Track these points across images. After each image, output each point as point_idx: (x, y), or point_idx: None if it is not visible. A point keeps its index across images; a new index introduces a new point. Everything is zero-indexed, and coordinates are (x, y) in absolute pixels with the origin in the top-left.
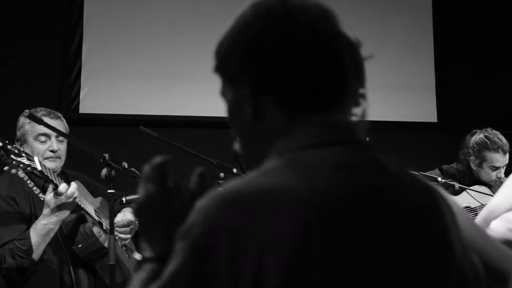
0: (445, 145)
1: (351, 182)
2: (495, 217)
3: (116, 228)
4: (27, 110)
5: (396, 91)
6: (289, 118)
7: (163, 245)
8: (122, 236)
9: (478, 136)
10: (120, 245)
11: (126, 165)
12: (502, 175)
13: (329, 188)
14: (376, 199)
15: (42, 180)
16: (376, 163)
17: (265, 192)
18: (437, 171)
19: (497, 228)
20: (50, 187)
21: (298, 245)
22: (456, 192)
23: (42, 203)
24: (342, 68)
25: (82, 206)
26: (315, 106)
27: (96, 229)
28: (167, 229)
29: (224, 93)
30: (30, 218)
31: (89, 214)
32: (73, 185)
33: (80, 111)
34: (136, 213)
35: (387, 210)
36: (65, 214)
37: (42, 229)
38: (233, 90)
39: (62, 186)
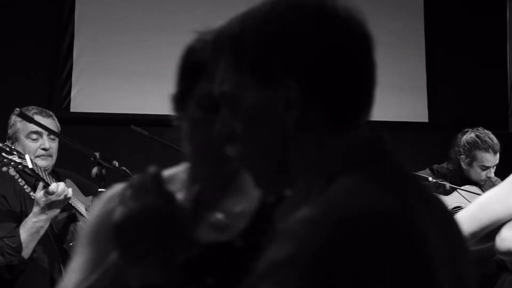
0: (436, 145)
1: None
2: (493, 221)
3: None
4: (17, 109)
5: (388, 91)
6: (337, 127)
7: (161, 273)
8: None
9: (469, 135)
10: None
11: (116, 163)
12: (492, 174)
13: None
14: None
15: (33, 178)
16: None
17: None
18: (428, 171)
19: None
20: (41, 185)
21: None
22: (447, 192)
23: (33, 201)
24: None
25: (73, 205)
26: (364, 112)
27: None
28: (168, 252)
29: (237, 92)
30: (21, 216)
31: (80, 213)
32: (63, 184)
33: (71, 110)
34: (120, 231)
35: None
36: (55, 212)
37: (32, 227)
38: (266, 90)
39: (53, 185)
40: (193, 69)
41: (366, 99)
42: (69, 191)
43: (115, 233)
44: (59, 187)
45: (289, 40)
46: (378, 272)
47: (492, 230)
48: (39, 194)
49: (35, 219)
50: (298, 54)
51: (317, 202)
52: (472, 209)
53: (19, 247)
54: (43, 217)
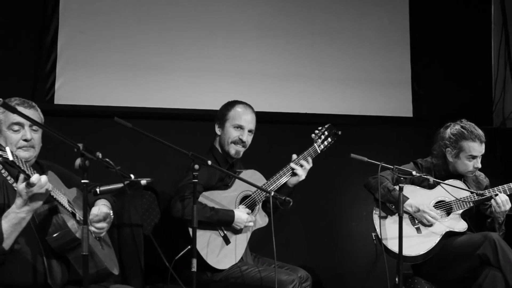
0: (420, 139)
1: None
2: None
3: (93, 224)
4: (0, 99)
5: (372, 86)
6: None
7: None
8: (98, 231)
9: (454, 127)
10: (93, 236)
11: (100, 155)
12: (479, 165)
13: None
14: None
15: (16, 170)
16: None
17: None
18: (411, 164)
19: None
20: (22, 177)
21: None
22: (431, 186)
23: (15, 193)
24: None
25: (55, 197)
26: None
27: (69, 220)
28: None
29: None
30: (3, 208)
31: (62, 205)
32: (44, 176)
33: (55, 102)
34: None
35: None
36: (37, 204)
37: (14, 218)
38: None
39: (35, 177)
40: None
41: None
42: (49, 185)
43: None
44: (41, 180)
45: None
46: None
47: None
48: (21, 186)
49: (17, 210)
50: None
51: None
52: None
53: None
54: (25, 208)
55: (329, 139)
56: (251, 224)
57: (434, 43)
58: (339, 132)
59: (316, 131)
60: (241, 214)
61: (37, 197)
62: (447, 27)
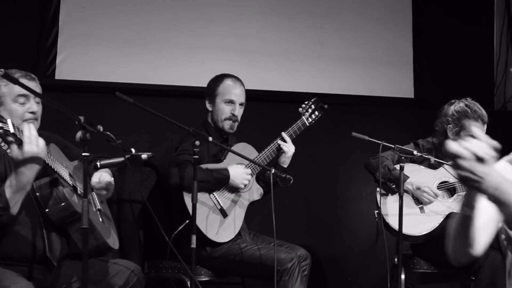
0: (421, 121)
1: None
2: None
3: (94, 190)
4: (2, 69)
5: (374, 66)
6: None
7: None
8: (100, 193)
9: (458, 105)
10: (94, 209)
11: (101, 128)
12: None
13: None
14: None
15: (15, 143)
16: None
17: None
18: (412, 145)
19: None
20: (16, 143)
21: None
22: (432, 166)
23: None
24: None
25: (56, 170)
26: None
27: (69, 193)
28: None
29: None
30: (5, 177)
31: (63, 178)
32: (41, 140)
33: (56, 77)
34: None
35: None
36: (36, 163)
37: (16, 184)
38: None
39: (26, 137)
40: None
41: None
42: (41, 141)
43: None
44: (39, 141)
45: None
46: None
47: None
48: (16, 151)
49: (19, 177)
50: None
51: None
52: None
53: (6, 206)
54: (27, 172)
55: (316, 113)
56: (249, 177)
57: (437, 24)
58: (326, 106)
59: (303, 105)
60: (236, 169)
61: (36, 159)
62: (450, 8)
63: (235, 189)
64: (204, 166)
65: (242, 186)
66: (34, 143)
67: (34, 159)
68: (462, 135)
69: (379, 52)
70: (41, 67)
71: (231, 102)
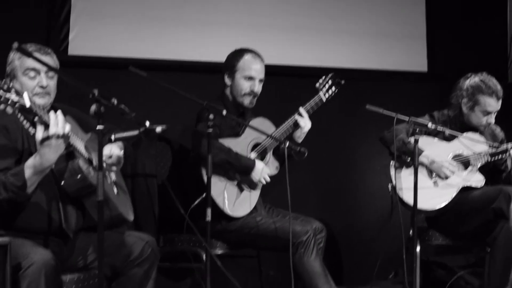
0: (434, 95)
1: None
2: None
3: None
4: (16, 43)
5: (386, 40)
6: None
7: None
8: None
9: (473, 79)
10: (109, 182)
11: (115, 101)
12: (493, 120)
13: None
14: None
15: (31, 115)
16: None
17: None
18: (427, 117)
19: None
20: (42, 126)
21: None
22: (446, 138)
23: (33, 138)
24: None
25: (71, 143)
26: None
27: (85, 166)
28: None
29: None
30: (22, 151)
31: (78, 151)
32: (68, 125)
33: (69, 53)
34: None
35: None
36: (59, 151)
37: (38, 166)
38: None
39: (53, 124)
40: None
41: None
42: (67, 127)
43: None
44: (66, 128)
45: None
46: None
47: None
48: (40, 134)
49: (42, 159)
50: None
51: None
52: None
53: (23, 186)
54: (51, 156)
55: (333, 88)
56: (267, 180)
57: None
58: (342, 81)
59: (320, 81)
60: (261, 165)
61: (59, 144)
62: None
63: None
64: (222, 141)
65: (260, 182)
66: (61, 127)
67: (59, 144)
68: (476, 110)
69: (391, 26)
70: (54, 43)
71: (251, 78)
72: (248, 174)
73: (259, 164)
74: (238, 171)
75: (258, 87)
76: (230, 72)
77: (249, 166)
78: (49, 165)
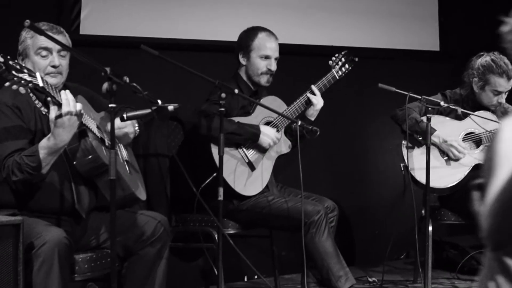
0: (446, 74)
1: None
2: None
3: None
4: (28, 20)
5: (398, 19)
6: None
7: None
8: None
9: (484, 59)
10: (121, 161)
11: (127, 79)
12: (503, 100)
13: None
14: None
15: (43, 95)
16: None
17: None
18: (439, 95)
19: None
20: (55, 106)
21: None
22: (458, 117)
23: (46, 118)
24: None
25: (84, 122)
26: None
27: (97, 145)
28: None
29: None
30: (35, 131)
31: (91, 130)
32: (79, 104)
33: (81, 33)
34: None
35: None
36: (73, 131)
37: (52, 146)
38: None
39: (65, 104)
40: None
41: None
42: (79, 105)
43: None
44: (77, 106)
45: None
46: None
47: None
48: (53, 114)
49: (56, 140)
50: None
51: None
52: None
53: (38, 166)
54: (65, 136)
55: (347, 65)
56: (277, 140)
57: None
58: (356, 59)
59: (333, 58)
60: (268, 128)
61: (72, 124)
62: None
63: (262, 147)
64: (232, 119)
65: (269, 146)
66: (72, 105)
67: (72, 122)
68: (487, 90)
69: (403, 5)
70: (65, 22)
71: (267, 57)
72: (256, 141)
73: (264, 128)
74: (246, 140)
75: (274, 65)
76: (245, 52)
77: (255, 132)
78: (63, 145)
